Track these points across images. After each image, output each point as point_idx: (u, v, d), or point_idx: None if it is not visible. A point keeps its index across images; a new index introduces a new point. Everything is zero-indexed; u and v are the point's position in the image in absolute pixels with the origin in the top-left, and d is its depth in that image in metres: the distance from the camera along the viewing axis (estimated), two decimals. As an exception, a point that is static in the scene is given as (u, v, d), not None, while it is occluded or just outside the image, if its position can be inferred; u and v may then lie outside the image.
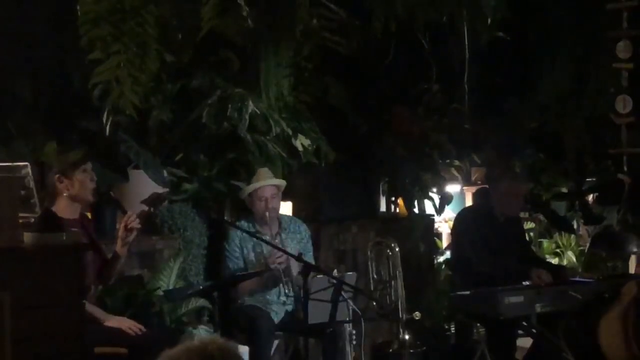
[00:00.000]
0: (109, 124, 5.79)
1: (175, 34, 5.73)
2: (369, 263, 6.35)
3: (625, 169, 7.11)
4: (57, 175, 4.95)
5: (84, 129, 6.17)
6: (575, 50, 7.81)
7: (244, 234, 6.01)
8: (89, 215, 5.72)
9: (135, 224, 5.08)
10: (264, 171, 6.27)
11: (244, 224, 6.14)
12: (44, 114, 6.35)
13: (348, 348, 5.86)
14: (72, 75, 6.17)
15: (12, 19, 6.14)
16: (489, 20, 6.35)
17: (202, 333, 5.95)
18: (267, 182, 6.17)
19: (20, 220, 4.08)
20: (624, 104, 6.96)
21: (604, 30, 7.26)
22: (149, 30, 5.50)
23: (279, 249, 5.77)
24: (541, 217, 8.88)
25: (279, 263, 5.91)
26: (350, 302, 5.61)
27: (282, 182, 6.31)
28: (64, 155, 5.06)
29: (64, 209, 4.98)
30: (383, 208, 8.09)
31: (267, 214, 6.08)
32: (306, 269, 5.14)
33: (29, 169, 4.45)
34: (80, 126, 6.20)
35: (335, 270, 6.31)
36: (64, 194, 4.96)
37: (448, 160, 8.07)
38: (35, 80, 6.37)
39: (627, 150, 7.05)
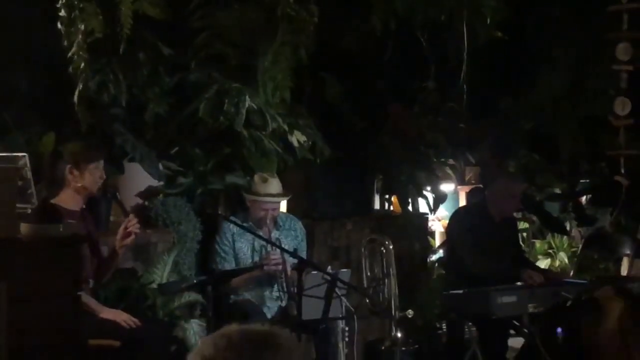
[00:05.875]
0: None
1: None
2: (363, 260, 6.34)
3: (623, 170, 7.12)
4: (69, 166, 4.96)
5: (79, 120, 6.16)
6: (571, 51, 7.82)
7: (238, 228, 5.99)
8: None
9: (135, 228, 5.09)
10: (275, 183, 6.19)
11: (239, 218, 6.12)
12: (40, 106, 6.33)
13: (340, 345, 5.83)
14: (69, 66, 6.15)
15: (7, 9, 6.12)
16: (489, 20, 6.36)
17: (195, 327, 5.94)
18: (276, 199, 6.14)
19: (17, 211, 4.06)
20: (622, 106, 6.97)
21: (600, 32, 7.27)
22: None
23: (275, 245, 5.75)
24: (534, 217, 8.89)
25: (275, 264, 5.88)
26: (344, 299, 5.59)
27: (288, 197, 6.30)
28: (80, 148, 5.06)
29: (67, 199, 4.98)
30: (377, 206, 8.09)
31: (266, 221, 6.07)
32: (300, 265, 5.14)
33: (26, 160, 4.44)
34: (76, 117, 6.18)
35: (329, 267, 6.30)
36: (72, 185, 4.97)
37: (443, 159, 8.08)
38: (31, 71, 6.35)
39: (625, 152, 7.06)
